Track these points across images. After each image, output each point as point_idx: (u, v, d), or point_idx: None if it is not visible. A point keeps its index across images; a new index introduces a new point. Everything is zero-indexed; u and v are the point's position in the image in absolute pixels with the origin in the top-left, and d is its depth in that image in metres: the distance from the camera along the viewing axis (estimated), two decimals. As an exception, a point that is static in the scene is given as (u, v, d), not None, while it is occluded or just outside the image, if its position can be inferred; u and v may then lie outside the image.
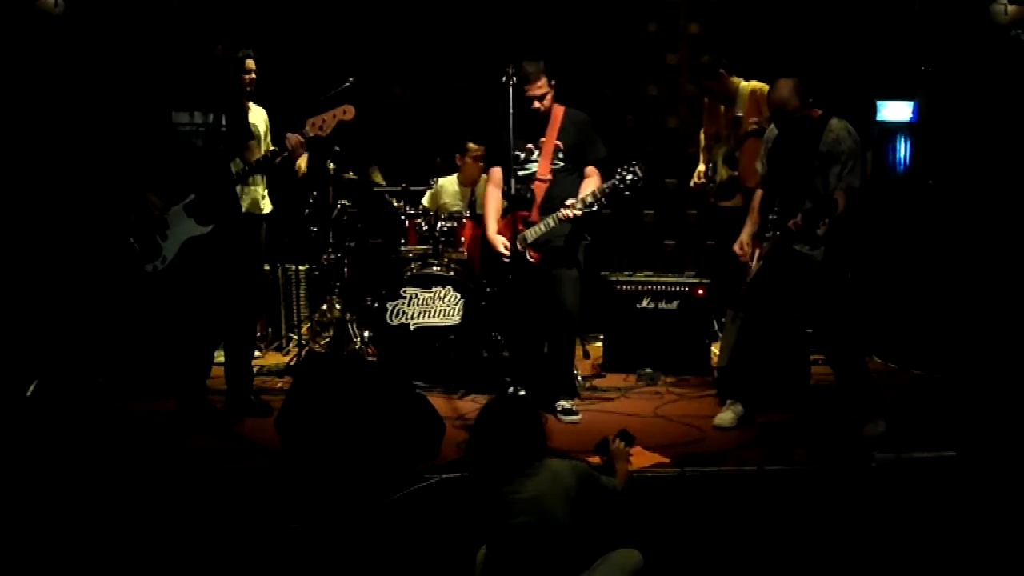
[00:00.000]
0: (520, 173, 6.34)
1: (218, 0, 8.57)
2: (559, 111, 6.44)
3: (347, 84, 7.35)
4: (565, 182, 6.39)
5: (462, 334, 7.10)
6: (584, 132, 6.46)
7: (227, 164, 6.20)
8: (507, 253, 6.31)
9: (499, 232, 6.44)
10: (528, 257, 6.30)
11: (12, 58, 7.58)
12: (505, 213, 6.46)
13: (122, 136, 6.32)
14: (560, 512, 4.05)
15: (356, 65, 8.02)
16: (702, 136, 7.84)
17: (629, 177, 6.08)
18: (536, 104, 6.31)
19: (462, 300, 7.08)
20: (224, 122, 6.11)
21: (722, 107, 7.46)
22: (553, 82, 6.36)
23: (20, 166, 7.45)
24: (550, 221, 6.22)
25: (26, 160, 7.48)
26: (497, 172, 6.56)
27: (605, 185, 6.15)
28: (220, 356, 7.40)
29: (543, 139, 6.40)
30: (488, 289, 6.87)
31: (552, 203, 6.31)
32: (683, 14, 9.28)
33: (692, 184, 7.92)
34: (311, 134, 6.12)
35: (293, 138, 6.09)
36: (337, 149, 7.54)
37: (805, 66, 7.26)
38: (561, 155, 6.40)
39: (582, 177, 6.43)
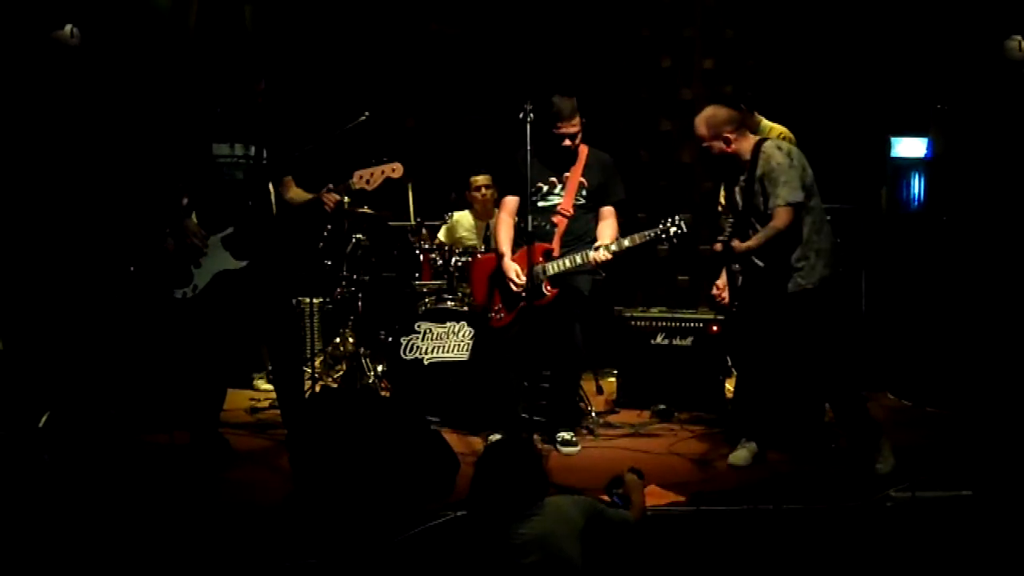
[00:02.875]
0: (540, 204, 6.38)
1: (234, 31, 8.67)
2: (584, 149, 6.48)
3: (363, 118, 7.38)
4: (584, 219, 6.44)
5: (474, 369, 7.08)
6: (607, 173, 6.51)
7: (268, 198, 6.25)
8: (521, 283, 6.30)
9: (515, 260, 6.42)
10: (544, 290, 6.29)
11: (30, 87, 7.63)
12: (520, 245, 6.44)
13: (151, 165, 6.37)
14: (569, 549, 4.03)
15: (371, 99, 8.06)
16: None
17: (673, 230, 6.07)
18: (567, 142, 6.34)
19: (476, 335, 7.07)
20: (265, 155, 6.16)
21: None
22: (584, 120, 6.39)
23: (40, 193, 7.49)
24: (577, 259, 6.23)
25: (45, 187, 7.52)
26: (512, 202, 6.55)
27: (647, 233, 6.14)
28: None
29: (567, 175, 6.43)
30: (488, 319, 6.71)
31: (572, 238, 6.35)
32: (697, 49, 9.30)
33: (719, 209, 7.93)
34: (357, 186, 6.20)
35: (330, 198, 6.14)
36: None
37: (819, 102, 7.32)
38: (584, 192, 6.43)
39: (598, 217, 6.46)
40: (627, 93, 9.34)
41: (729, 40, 9.24)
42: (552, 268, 6.28)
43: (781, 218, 5.63)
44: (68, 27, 7.68)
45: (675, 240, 6.12)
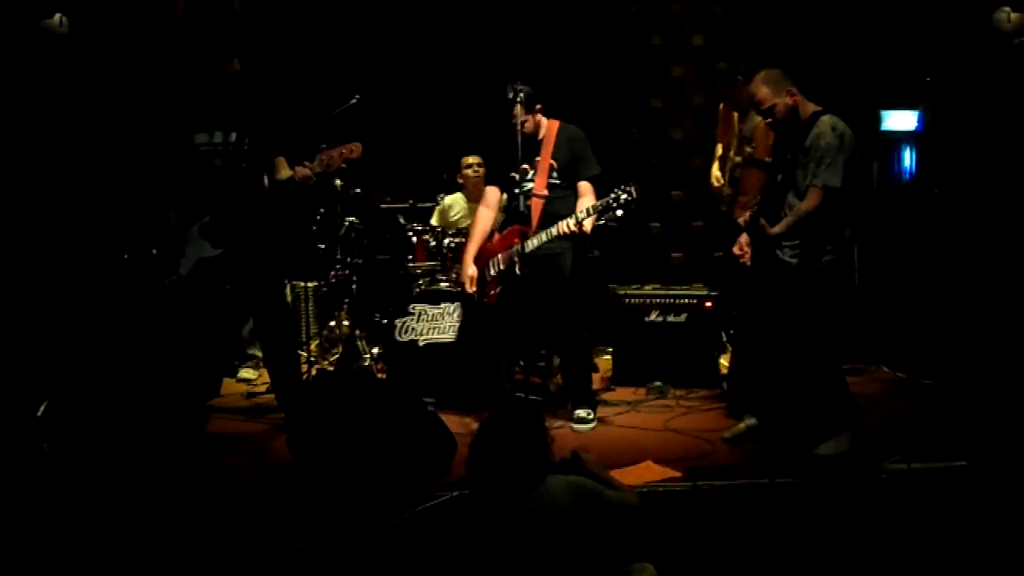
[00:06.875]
0: (516, 191, 6.33)
1: (224, 16, 8.65)
2: (553, 128, 6.44)
3: (353, 101, 7.39)
4: (561, 198, 6.38)
5: (462, 350, 7.08)
6: (577, 149, 6.43)
7: (252, 182, 6.23)
8: (471, 288, 6.42)
9: (494, 244, 6.46)
10: (516, 270, 6.27)
11: (19, 77, 7.61)
12: (503, 228, 6.48)
13: (142, 154, 6.37)
14: (563, 533, 3.99)
15: (361, 81, 8.06)
16: (719, 146, 7.83)
17: (623, 197, 5.97)
18: (519, 130, 6.25)
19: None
20: (247, 140, 6.16)
21: (735, 115, 7.39)
22: (539, 106, 6.34)
23: (31, 184, 7.49)
24: (552, 231, 6.16)
25: (36, 178, 7.52)
26: (493, 193, 6.57)
27: (598, 203, 6.09)
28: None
29: (538, 158, 6.38)
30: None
31: (549, 219, 6.28)
32: (687, 26, 9.31)
33: (712, 186, 7.91)
34: (318, 169, 6.26)
35: (301, 172, 6.23)
36: (344, 166, 7.56)
37: (809, 76, 7.31)
38: (556, 173, 6.38)
39: (576, 194, 6.42)
40: (617, 70, 9.33)
41: (718, 16, 9.24)
42: (527, 246, 6.20)
43: (812, 199, 5.50)
44: (57, 16, 7.67)
45: (624, 207, 6.01)
